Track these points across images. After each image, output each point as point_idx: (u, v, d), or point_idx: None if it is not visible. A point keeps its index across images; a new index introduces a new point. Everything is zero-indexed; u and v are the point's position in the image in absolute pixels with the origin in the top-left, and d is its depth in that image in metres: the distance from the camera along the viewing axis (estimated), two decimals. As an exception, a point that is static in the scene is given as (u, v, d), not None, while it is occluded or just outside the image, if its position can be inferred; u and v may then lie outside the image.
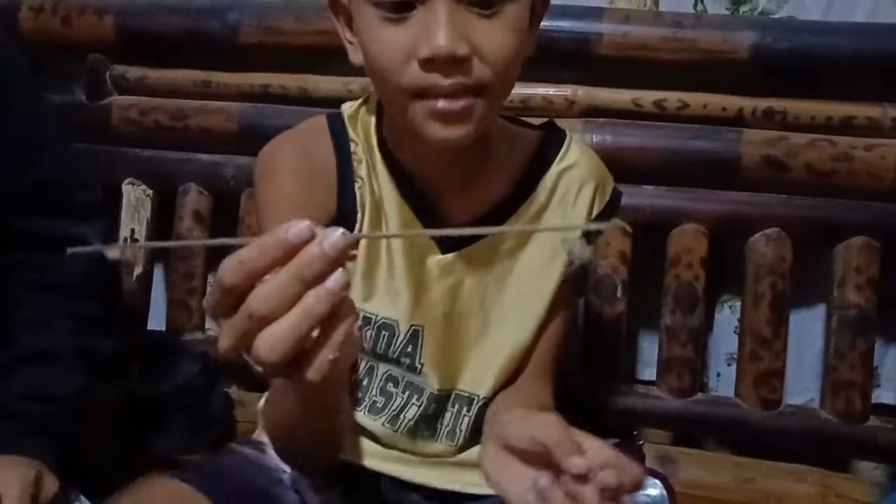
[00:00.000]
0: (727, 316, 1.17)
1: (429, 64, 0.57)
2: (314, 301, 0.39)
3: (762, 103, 1.05)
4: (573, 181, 0.74)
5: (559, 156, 0.75)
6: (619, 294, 1.09)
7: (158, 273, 1.28)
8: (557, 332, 0.77)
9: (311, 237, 0.39)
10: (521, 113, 1.11)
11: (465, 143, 0.62)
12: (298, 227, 0.39)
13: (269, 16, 1.14)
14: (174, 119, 1.20)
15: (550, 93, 1.11)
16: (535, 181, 0.73)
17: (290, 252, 0.39)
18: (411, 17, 0.58)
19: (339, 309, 0.41)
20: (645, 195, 1.10)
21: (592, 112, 1.10)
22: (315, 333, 0.40)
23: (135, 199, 1.22)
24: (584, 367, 1.11)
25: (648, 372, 1.18)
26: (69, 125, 1.15)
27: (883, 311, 1.07)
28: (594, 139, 1.09)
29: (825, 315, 1.10)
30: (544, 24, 1.06)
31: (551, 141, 0.76)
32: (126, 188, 1.22)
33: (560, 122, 1.08)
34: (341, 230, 0.39)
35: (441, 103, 0.58)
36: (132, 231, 1.20)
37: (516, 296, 0.74)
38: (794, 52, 1.01)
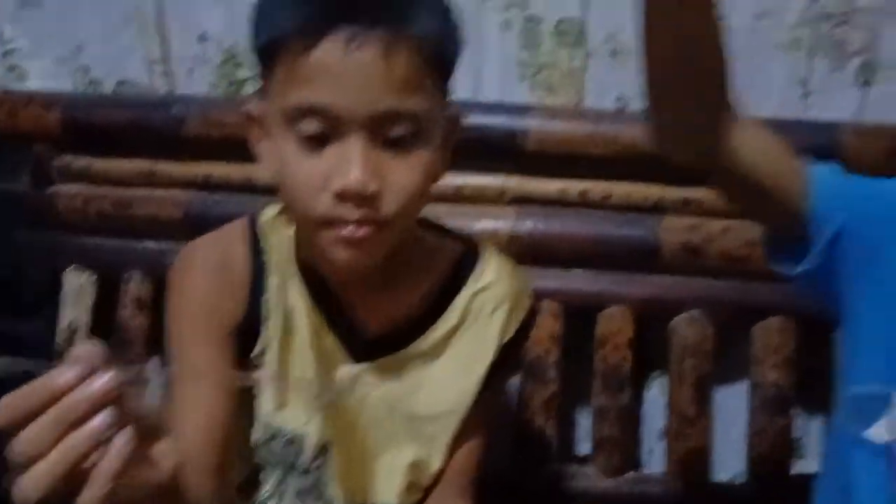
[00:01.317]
0: (657, 393, 1.22)
1: (340, 197, 0.62)
2: (74, 441, 0.40)
3: (680, 193, 1.12)
4: (487, 302, 0.77)
5: (474, 275, 0.77)
6: (551, 375, 1.13)
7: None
8: (475, 450, 0.79)
9: (81, 380, 0.40)
10: (455, 202, 1.19)
11: (370, 268, 0.66)
12: (65, 376, 0.40)
13: (213, 109, 1.18)
14: (119, 207, 1.22)
15: (483, 183, 1.17)
16: (449, 301, 0.76)
17: (58, 395, 0.40)
18: (327, 149, 0.62)
19: (115, 439, 0.41)
20: (574, 279, 1.15)
21: (523, 201, 1.16)
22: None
23: (77, 287, 1.23)
24: (516, 449, 1.14)
25: (586, 447, 1.21)
26: (14, 214, 1.17)
27: (803, 386, 1.12)
28: (525, 226, 1.15)
29: (748, 393, 1.16)
30: (478, 120, 1.15)
31: (468, 259, 0.78)
32: (69, 275, 1.23)
33: (493, 210, 1.19)
34: (112, 373, 0.41)
35: (346, 231, 0.63)
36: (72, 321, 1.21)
37: (428, 409, 0.76)
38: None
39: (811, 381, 1.15)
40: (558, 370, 1.13)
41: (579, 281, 1.15)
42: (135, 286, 1.21)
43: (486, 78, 1.19)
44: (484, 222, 1.16)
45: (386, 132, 0.62)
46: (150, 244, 1.22)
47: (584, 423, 1.22)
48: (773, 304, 1.11)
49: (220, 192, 1.19)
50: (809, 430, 1.21)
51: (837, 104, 1.12)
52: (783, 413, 1.10)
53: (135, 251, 1.22)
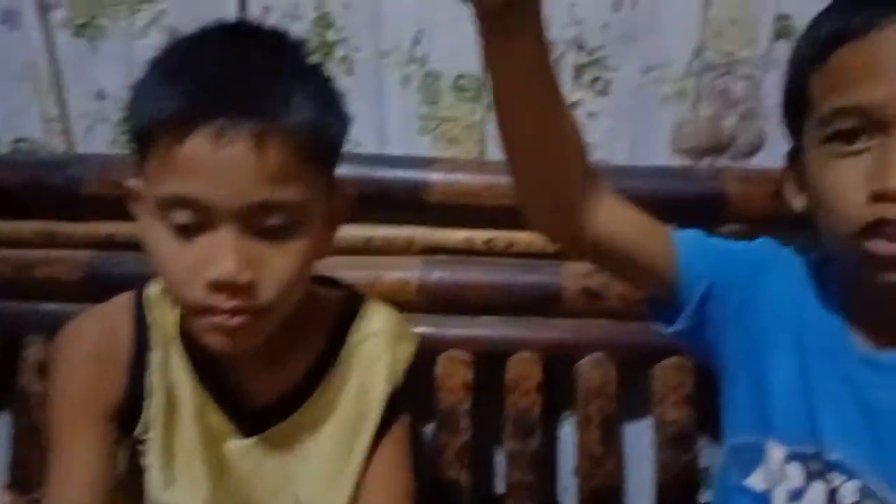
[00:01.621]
0: (568, 433, 1.24)
1: (213, 287, 0.62)
2: None
3: (580, 239, 1.16)
4: (370, 353, 0.78)
5: (356, 327, 0.78)
6: (464, 424, 1.15)
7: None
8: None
9: None
10: (364, 252, 1.20)
11: (249, 351, 0.66)
12: None
13: (111, 167, 1.16)
14: (18, 270, 1.19)
15: (390, 234, 1.19)
16: (335, 356, 0.77)
17: None
18: (200, 238, 0.63)
19: None
20: (483, 325, 1.17)
21: (430, 251, 1.18)
22: None
23: (-25, 354, 1.19)
24: (433, 499, 1.14)
25: (502, 490, 1.23)
26: None
27: (707, 418, 1.17)
28: (433, 276, 1.17)
29: (652, 430, 1.19)
30: (383, 173, 1.17)
31: (350, 310, 0.79)
32: (-35, 343, 1.19)
33: (401, 260, 1.21)
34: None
35: (219, 320, 0.63)
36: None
37: (319, 476, 0.76)
38: (601, 195, 1.13)
39: (715, 415, 1.19)
40: (471, 418, 1.15)
41: (487, 328, 1.17)
42: (35, 351, 1.18)
43: (390, 132, 1.21)
44: (393, 273, 1.17)
45: (260, 222, 0.63)
46: (51, 307, 1.19)
47: (499, 467, 1.24)
48: (671, 344, 1.13)
49: (122, 252, 1.17)
50: (717, 459, 1.26)
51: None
52: (687, 448, 1.14)
53: (35, 315, 1.19)
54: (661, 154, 1.19)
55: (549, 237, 0.71)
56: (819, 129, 0.62)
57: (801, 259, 0.72)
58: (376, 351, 0.78)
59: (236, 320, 0.63)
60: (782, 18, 1.12)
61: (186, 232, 0.62)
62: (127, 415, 0.72)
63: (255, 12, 1.16)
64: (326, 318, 0.78)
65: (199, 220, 0.62)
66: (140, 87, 0.66)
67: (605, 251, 0.68)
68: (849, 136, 0.59)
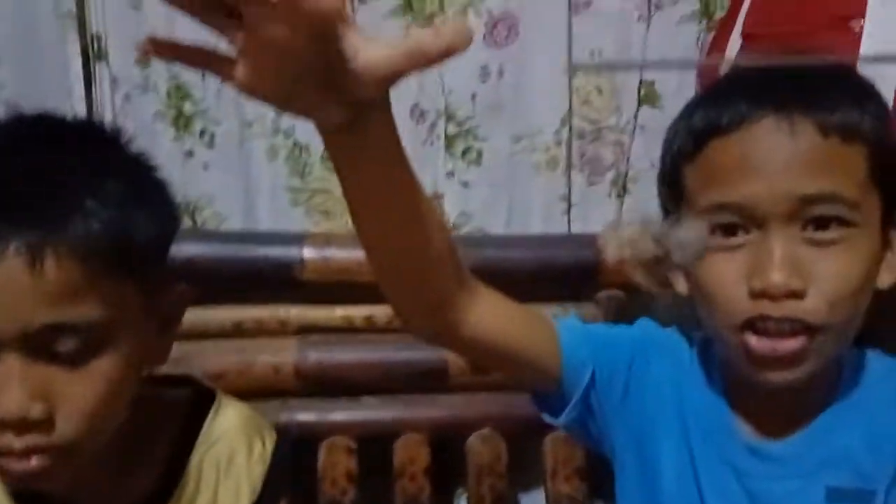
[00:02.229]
0: (465, 508, 1.19)
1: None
2: None
3: (461, 311, 1.13)
4: (223, 454, 0.70)
5: (205, 430, 0.70)
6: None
7: None
8: None
9: None
10: (235, 336, 1.11)
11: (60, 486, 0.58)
12: None
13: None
14: None
15: (262, 315, 1.11)
16: (184, 466, 0.68)
17: None
18: None
19: None
20: (366, 408, 1.11)
21: (306, 330, 1.12)
22: None
23: None
24: None
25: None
26: None
27: (599, 491, 1.14)
28: (310, 357, 1.10)
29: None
30: (253, 250, 1.10)
31: (198, 411, 0.71)
32: None
33: (275, 342, 1.13)
34: None
35: (13, 463, 0.54)
36: None
37: None
38: (478, 265, 1.08)
39: (608, 484, 1.17)
40: (356, 509, 1.08)
41: (371, 410, 1.11)
42: None
43: (258, 207, 1.15)
44: (266, 356, 1.09)
45: (49, 347, 0.54)
46: None
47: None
48: (559, 414, 1.13)
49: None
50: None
51: (597, 217, 1.19)
52: (579, 522, 1.12)
53: None
54: (536, 222, 1.19)
55: (422, 338, 0.65)
56: (702, 217, 0.61)
57: (684, 341, 0.71)
58: (229, 455, 0.70)
59: (34, 462, 0.54)
60: (647, 84, 1.16)
61: None
62: None
63: (101, 85, 1.08)
64: (171, 423, 0.70)
65: None
66: None
67: (484, 349, 0.63)
68: (726, 230, 0.58)
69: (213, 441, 0.70)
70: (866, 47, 0.81)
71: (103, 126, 0.66)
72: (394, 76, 0.41)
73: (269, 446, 0.73)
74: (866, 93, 0.59)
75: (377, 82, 0.41)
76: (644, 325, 0.73)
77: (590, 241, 1.16)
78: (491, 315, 0.62)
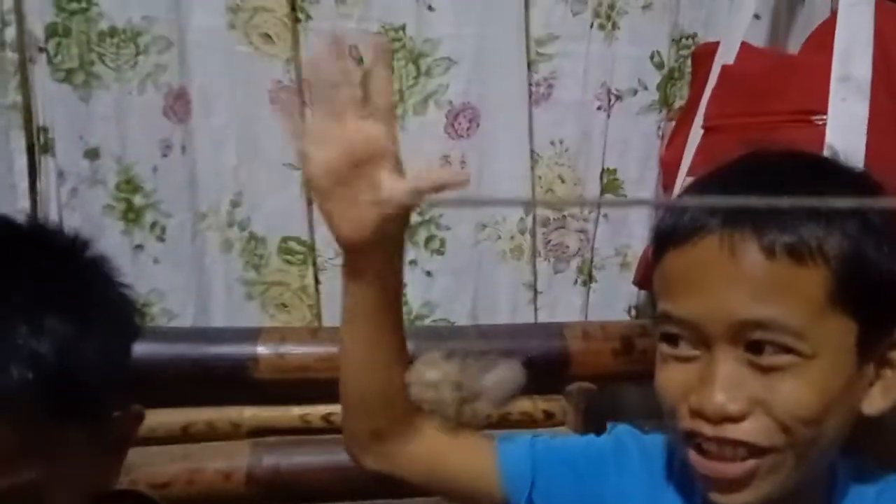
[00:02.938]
0: None
1: None
2: None
3: (427, 408, 1.07)
4: None
5: None
6: None
7: None
8: None
9: None
10: (181, 440, 1.04)
11: None
12: None
13: None
14: None
15: (213, 417, 1.04)
16: None
17: None
18: None
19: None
20: (323, 515, 1.04)
21: (261, 432, 1.05)
22: None
23: None
24: None
25: None
26: None
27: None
28: (265, 462, 1.03)
29: None
30: (204, 348, 1.04)
31: None
32: None
33: (227, 446, 1.06)
34: None
35: None
36: None
37: None
38: (445, 359, 1.06)
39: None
40: None
41: (330, 519, 1.04)
42: None
43: (213, 301, 1.10)
44: (217, 462, 1.02)
45: None
46: None
47: None
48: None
49: None
50: None
51: (564, 305, 1.16)
52: None
53: None
54: (501, 311, 1.16)
55: (366, 464, 0.67)
56: (656, 326, 0.59)
57: (663, 447, 0.67)
58: None
59: None
60: (609, 173, 1.15)
61: None
62: None
63: (47, 179, 1.03)
64: None
65: None
66: None
67: (427, 480, 0.66)
68: (677, 340, 0.56)
69: None
70: (829, 142, 0.81)
71: (53, 231, 0.58)
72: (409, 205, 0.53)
73: None
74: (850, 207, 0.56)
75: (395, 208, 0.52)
76: (618, 433, 0.69)
77: (558, 330, 1.13)
78: (434, 448, 0.64)
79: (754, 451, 0.52)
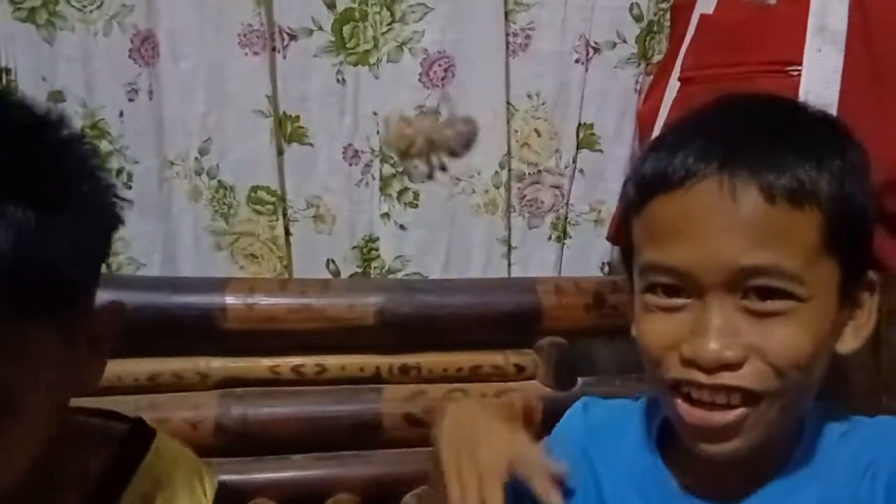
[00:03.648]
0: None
1: None
2: None
3: (397, 360, 1.06)
4: (163, 494, 0.62)
5: (144, 463, 0.62)
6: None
7: None
8: None
9: None
10: (150, 390, 1.03)
11: None
12: None
13: None
14: None
15: (181, 367, 1.03)
16: (114, 496, 0.61)
17: None
18: None
19: None
20: (293, 467, 1.03)
21: (229, 383, 1.04)
22: None
23: None
24: None
25: None
26: None
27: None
28: (233, 413, 1.02)
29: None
30: (171, 297, 1.02)
31: (134, 444, 0.63)
32: None
33: (194, 397, 1.05)
34: None
35: None
36: None
37: None
38: (416, 311, 1.05)
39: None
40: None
41: (298, 469, 1.03)
42: None
43: (179, 251, 1.08)
44: (184, 411, 1.01)
45: None
46: None
47: None
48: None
49: None
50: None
51: (537, 261, 1.16)
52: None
53: None
54: (475, 265, 1.15)
55: None
56: (640, 276, 0.57)
57: (626, 412, 0.67)
58: (169, 496, 0.63)
59: None
60: (585, 128, 1.14)
61: None
62: None
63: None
64: (102, 455, 0.62)
65: None
66: None
67: None
68: (666, 290, 0.55)
69: (154, 478, 0.62)
70: (804, 93, 0.80)
71: (18, 106, 0.52)
72: None
73: (210, 495, 0.66)
74: (832, 143, 0.54)
75: None
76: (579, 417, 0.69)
77: (531, 285, 1.13)
78: None
79: (748, 397, 0.51)
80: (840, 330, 0.55)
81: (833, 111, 0.77)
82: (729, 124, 0.55)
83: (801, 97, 0.78)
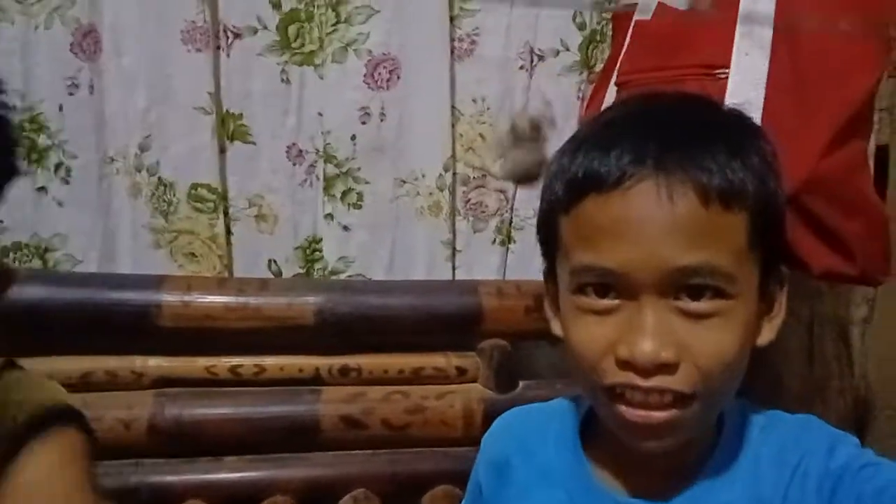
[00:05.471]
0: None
1: None
2: None
3: (337, 361, 1.06)
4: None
5: None
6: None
7: None
8: None
9: None
10: (83, 389, 1.01)
11: None
12: None
13: None
14: None
15: (115, 366, 1.01)
16: None
17: None
18: None
19: None
20: (228, 468, 1.01)
21: (164, 383, 1.02)
22: None
23: None
24: None
25: None
26: None
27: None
28: (167, 413, 1.00)
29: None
30: (107, 294, 1.01)
31: None
32: None
33: (128, 396, 1.03)
34: None
35: None
36: None
37: None
38: (357, 312, 1.05)
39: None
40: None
41: (233, 471, 1.01)
42: None
43: (118, 247, 1.06)
44: (117, 410, 0.99)
45: None
46: None
47: None
48: (436, 472, 1.06)
49: None
50: None
51: (482, 264, 1.16)
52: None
53: None
54: (418, 267, 1.15)
55: None
56: (570, 276, 0.57)
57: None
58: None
59: None
60: (529, 133, 1.15)
61: None
62: None
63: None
64: None
65: None
66: None
67: None
68: (598, 291, 0.55)
69: None
70: (731, 95, 0.82)
71: None
72: None
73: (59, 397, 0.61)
74: (750, 141, 0.54)
75: None
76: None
77: (472, 287, 1.13)
78: None
79: (680, 398, 0.51)
80: (759, 325, 0.56)
81: (759, 113, 0.78)
82: (657, 122, 0.55)
83: (728, 100, 0.80)
